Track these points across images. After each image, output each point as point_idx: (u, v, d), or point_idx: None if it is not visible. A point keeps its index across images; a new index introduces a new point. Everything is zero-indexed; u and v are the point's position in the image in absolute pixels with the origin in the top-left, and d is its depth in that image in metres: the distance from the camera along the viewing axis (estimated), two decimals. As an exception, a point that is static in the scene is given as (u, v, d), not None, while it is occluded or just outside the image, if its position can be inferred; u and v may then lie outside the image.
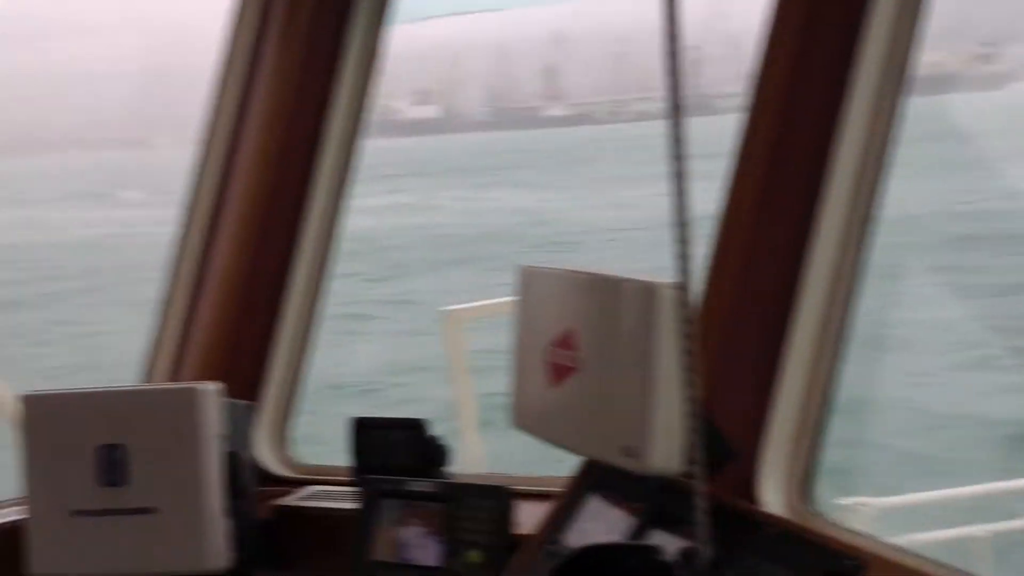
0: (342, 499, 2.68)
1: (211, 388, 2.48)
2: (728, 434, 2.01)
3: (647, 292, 2.00)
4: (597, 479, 2.25)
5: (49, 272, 25.33)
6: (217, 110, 2.97)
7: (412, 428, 2.57)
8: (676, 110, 1.60)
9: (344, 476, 2.69)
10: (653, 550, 1.87)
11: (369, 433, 2.62)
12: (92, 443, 2.45)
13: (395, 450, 2.57)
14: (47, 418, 2.50)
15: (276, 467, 2.96)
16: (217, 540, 2.44)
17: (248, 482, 2.53)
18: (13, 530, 2.52)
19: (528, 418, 2.30)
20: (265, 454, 2.95)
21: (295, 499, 2.78)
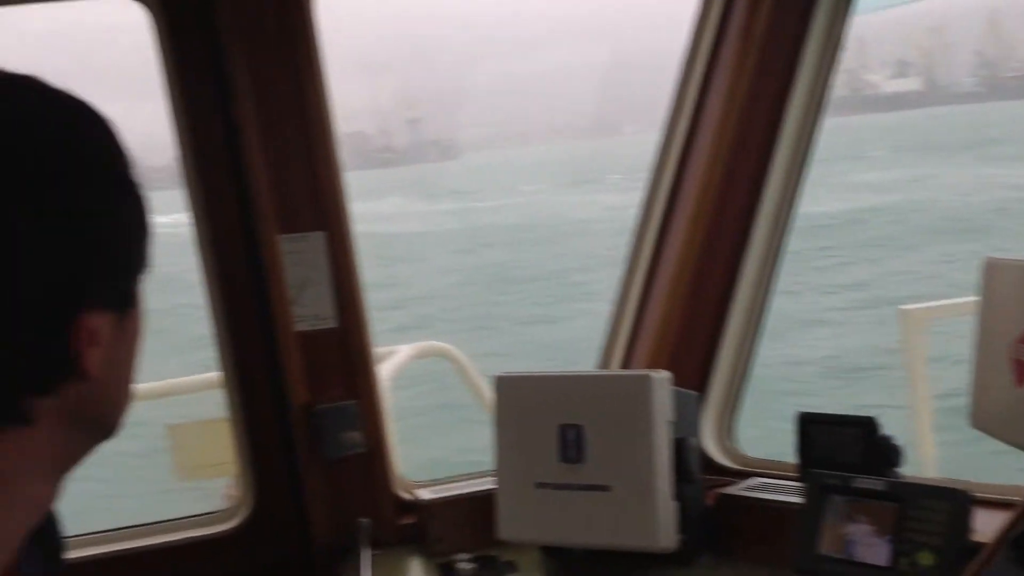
0: (786, 492, 2.66)
1: (663, 376, 2.57)
2: None
3: None
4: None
5: (558, 252, 27.32)
6: (680, 98, 3.02)
7: (862, 426, 2.49)
8: None
9: (786, 470, 2.66)
10: None
11: (816, 429, 2.57)
12: (555, 422, 2.62)
13: (843, 447, 2.50)
14: (516, 398, 2.70)
15: (719, 457, 3.00)
16: (667, 521, 2.52)
17: (695, 469, 2.58)
18: (486, 498, 2.77)
19: (990, 420, 2.15)
20: (709, 443, 3.00)
21: (739, 489, 2.78)
